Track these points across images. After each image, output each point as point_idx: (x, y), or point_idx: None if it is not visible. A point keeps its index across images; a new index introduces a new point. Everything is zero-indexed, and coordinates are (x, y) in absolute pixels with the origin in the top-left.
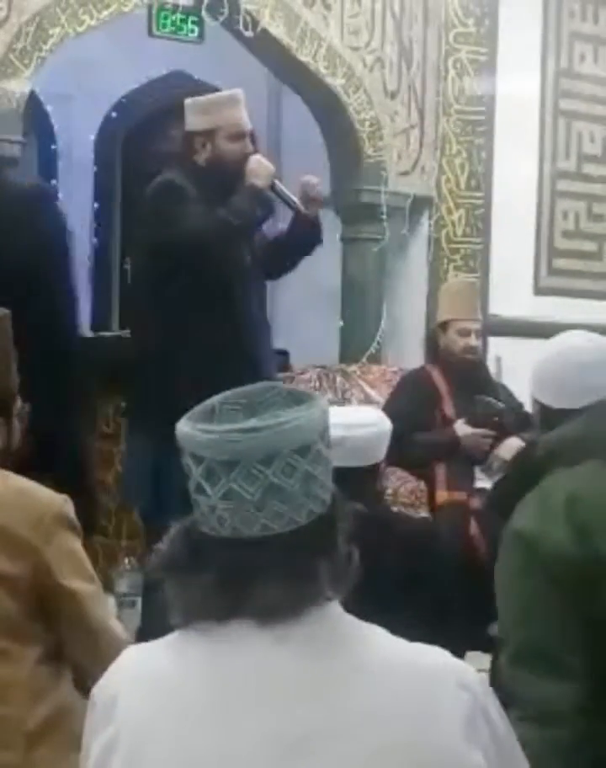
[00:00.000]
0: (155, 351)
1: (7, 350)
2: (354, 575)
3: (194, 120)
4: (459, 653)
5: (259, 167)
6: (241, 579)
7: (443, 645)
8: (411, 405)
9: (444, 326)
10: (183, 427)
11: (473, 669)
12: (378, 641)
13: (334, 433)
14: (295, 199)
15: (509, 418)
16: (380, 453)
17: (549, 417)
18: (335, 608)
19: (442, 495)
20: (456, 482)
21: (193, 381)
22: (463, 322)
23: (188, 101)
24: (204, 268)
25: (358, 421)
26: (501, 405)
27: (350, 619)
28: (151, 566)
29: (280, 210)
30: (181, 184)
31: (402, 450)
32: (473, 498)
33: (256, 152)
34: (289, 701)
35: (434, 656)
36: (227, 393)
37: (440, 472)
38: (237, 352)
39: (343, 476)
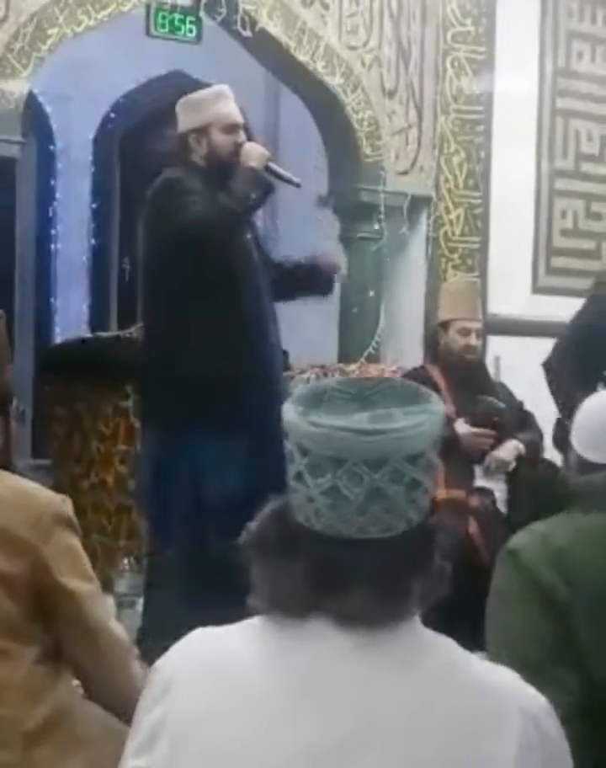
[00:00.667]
0: (160, 348)
1: (3, 350)
2: (444, 591)
3: (186, 120)
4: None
5: (252, 150)
6: (334, 578)
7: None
8: None
9: (445, 325)
10: (290, 413)
11: (543, 698)
12: (452, 656)
13: None
14: (289, 174)
15: (509, 419)
16: None
17: (584, 467)
18: (416, 622)
19: (441, 493)
20: (455, 481)
21: (196, 378)
22: (463, 321)
23: (179, 102)
24: (209, 257)
25: None
26: (501, 405)
27: (427, 631)
28: (243, 543)
29: (285, 209)
30: (181, 178)
31: None
32: (472, 497)
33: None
34: (349, 708)
35: (503, 677)
36: (336, 379)
37: (439, 470)
38: (243, 344)
39: None
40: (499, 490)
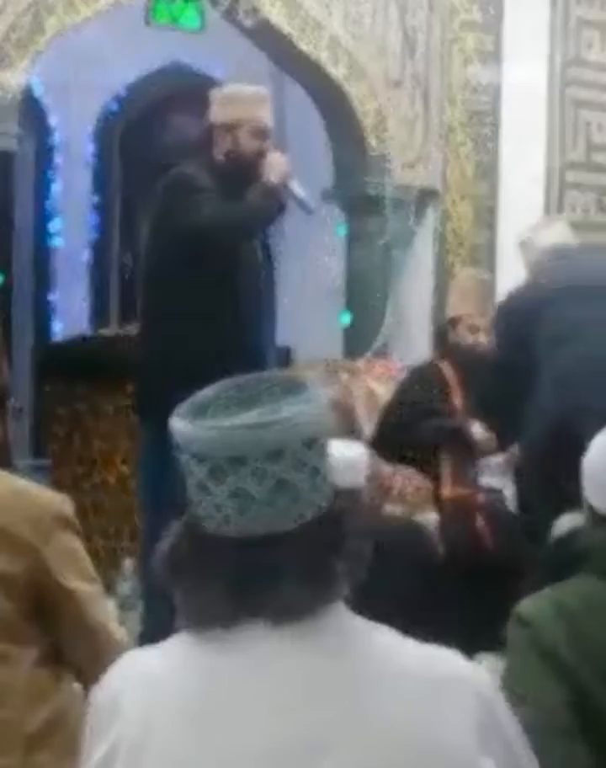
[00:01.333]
0: (154, 343)
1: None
2: (364, 572)
3: (218, 111)
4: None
5: (276, 163)
6: (257, 580)
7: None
8: (420, 395)
9: (454, 321)
10: (180, 424)
11: (484, 671)
12: (389, 642)
13: None
14: (306, 196)
15: None
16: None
17: (596, 520)
18: (343, 607)
19: (447, 491)
20: (462, 478)
21: (189, 374)
22: (472, 318)
23: (213, 92)
24: (211, 261)
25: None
26: None
27: (359, 618)
28: (155, 567)
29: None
30: (193, 175)
31: (410, 436)
32: (479, 494)
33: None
34: (298, 705)
35: (447, 660)
36: (216, 386)
37: (446, 467)
38: (237, 342)
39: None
40: (508, 488)
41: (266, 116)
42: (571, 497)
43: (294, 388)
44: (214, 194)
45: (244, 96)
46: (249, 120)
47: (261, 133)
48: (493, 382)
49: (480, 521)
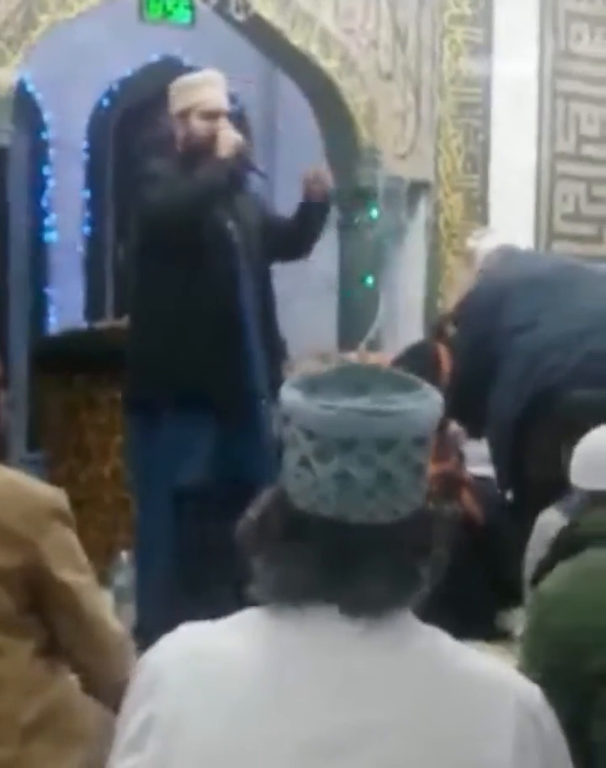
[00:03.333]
0: (138, 337)
1: None
2: (439, 579)
3: (174, 103)
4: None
5: (223, 138)
6: (343, 566)
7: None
8: (411, 373)
9: (452, 316)
10: (294, 396)
11: (537, 689)
12: (448, 649)
13: None
14: (257, 166)
15: None
16: None
17: (596, 500)
18: (410, 611)
19: (431, 469)
20: (445, 453)
21: (172, 367)
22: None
23: (170, 86)
24: (170, 244)
25: None
26: None
27: (421, 624)
28: (240, 534)
29: (281, 195)
30: (156, 168)
31: None
32: (461, 468)
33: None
34: (347, 697)
35: (498, 671)
36: (332, 367)
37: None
38: (213, 330)
39: None
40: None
41: (215, 97)
42: (536, 485)
43: (404, 384)
44: (167, 185)
45: (192, 82)
46: (197, 104)
47: (211, 114)
48: (460, 376)
49: (465, 495)
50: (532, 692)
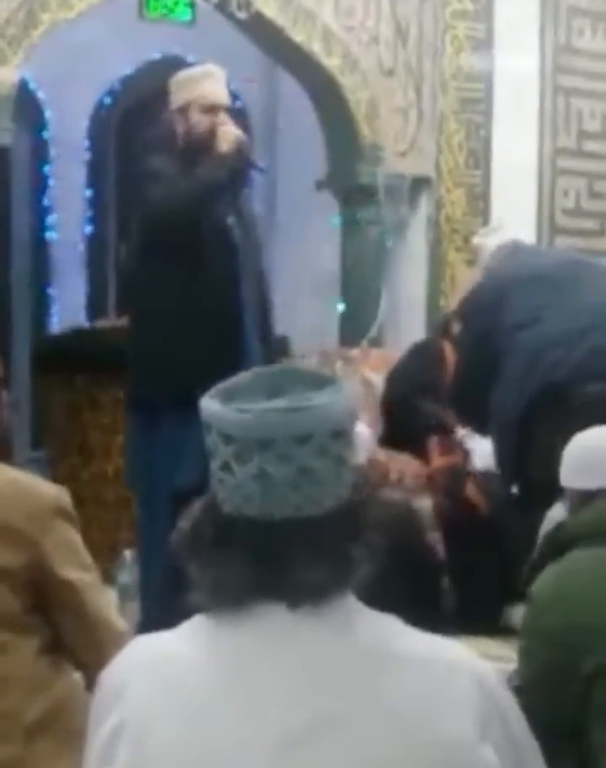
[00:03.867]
0: (138, 337)
1: None
2: (372, 564)
3: (174, 98)
4: (450, 634)
5: (224, 133)
6: (277, 560)
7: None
8: (417, 370)
9: (456, 313)
10: (212, 405)
11: (490, 666)
12: (396, 630)
13: None
14: (256, 160)
15: None
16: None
17: (584, 498)
18: (352, 596)
19: (437, 462)
20: (449, 447)
21: (172, 366)
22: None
23: (170, 81)
24: (174, 238)
25: None
26: None
27: (365, 608)
28: (175, 545)
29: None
30: (158, 165)
31: (402, 415)
32: (468, 461)
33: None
34: (305, 688)
35: (452, 650)
36: (245, 375)
37: (432, 442)
38: (213, 328)
39: None
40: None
41: (215, 91)
42: (540, 481)
43: (320, 381)
44: (168, 182)
45: (190, 76)
46: (197, 98)
47: (210, 108)
48: (462, 373)
49: (470, 487)
50: (486, 669)
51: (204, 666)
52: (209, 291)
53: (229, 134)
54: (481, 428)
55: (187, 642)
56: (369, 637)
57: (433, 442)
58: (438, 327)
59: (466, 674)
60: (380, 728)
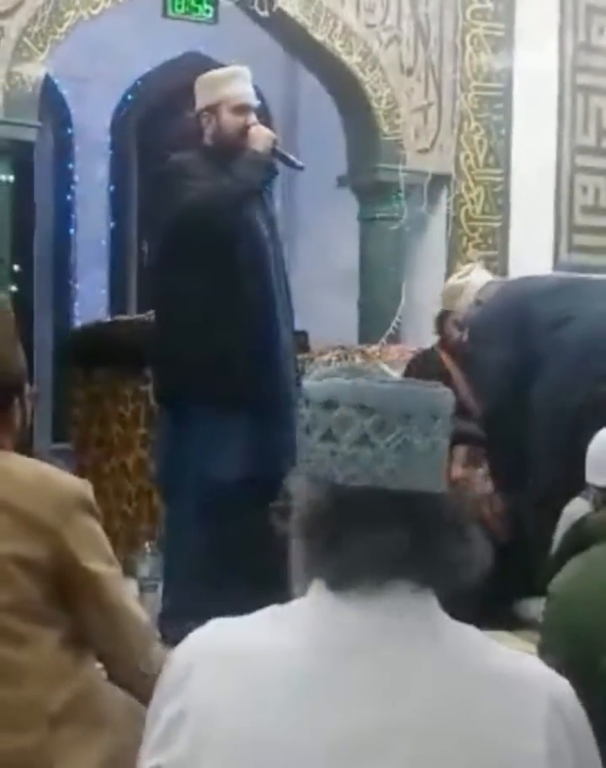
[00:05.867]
0: (167, 329)
1: (12, 332)
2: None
3: (201, 97)
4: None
5: (258, 133)
6: (421, 532)
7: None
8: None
9: (445, 314)
10: (342, 381)
11: (568, 684)
12: (479, 643)
13: None
14: (294, 157)
15: None
16: None
17: (597, 497)
18: (436, 603)
19: (457, 471)
20: (473, 460)
21: (206, 361)
22: (456, 316)
23: (196, 81)
24: (208, 241)
25: None
26: None
27: (448, 616)
28: (293, 526)
29: (302, 189)
30: (186, 162)
31: None
32: (489, 480)
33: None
34: (381, 693)
35: (529, 667)
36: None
37: (458, 450)
38: (246, 325)
39: None
40: None
41: (244, 92)
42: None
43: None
44: (202, 181)
45: (221, 76)
46: (228, 99)
47: (241, 109)
48: (492, 392)
49: (488, 509)
50: (564, 689)
51: (279, 655)
52: (241, 288)
53: (263, 134)
54: (512, 447)
55: (262, 632)
56: (451, 648)
57: (460, 452)
58: (436, 325)
59: (544, 695)
60: (447, 744)
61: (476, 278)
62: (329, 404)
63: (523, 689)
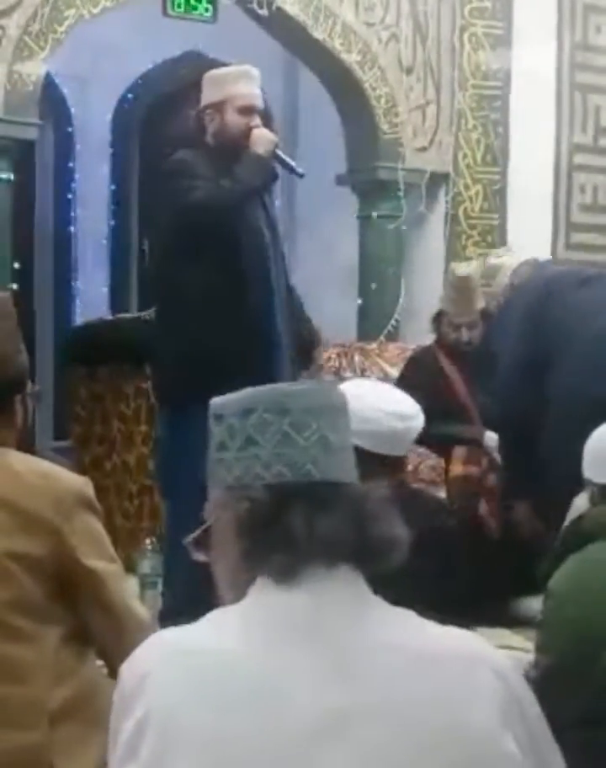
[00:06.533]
0: (167, 328)
1: (14, 330)
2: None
3: (206, 94)
4: (465, 624)
5: (260, 136)
6: (357, 518)
7: (447, 614)
8: (421, 385)
9: (441, 314)
10: (260, 388)
11: (506, 655)
12: (415, 625)
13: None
14: (294, 163)
15: None
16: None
17: (596, 493)
18: (368, 588)
19: (456, 469)
20: (473, 458)
21: (205, 361)
22: (453, 316)
23: (204, 76)
24: (209, 241)
25: (408, 413)
26: None
27: (382, 600)
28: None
29: (301, 188)
30: (188, 160)
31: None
32: (488, 476)
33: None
34: (331, 681)
35: (470, 641)
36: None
37: (458, 448)
38: (247, 325)
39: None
40: None
41: (251, 93)
42: None
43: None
44: (204, 180)
45: (228, 75)
46: (234, 98)
47: (247, 110)
48: (510, 371)
49: (483, 506)
50: (505, 661)
51: (232, 653)
52: (241, 288)
53: (265, 137)
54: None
55: (211, 633)
56: (397, 629)
57: (460, 450)
58: (432, 324)
59: (487, 667)
60: (402, 722)
61: (510, 260)
62: (247, 412)
63: (466, 662)
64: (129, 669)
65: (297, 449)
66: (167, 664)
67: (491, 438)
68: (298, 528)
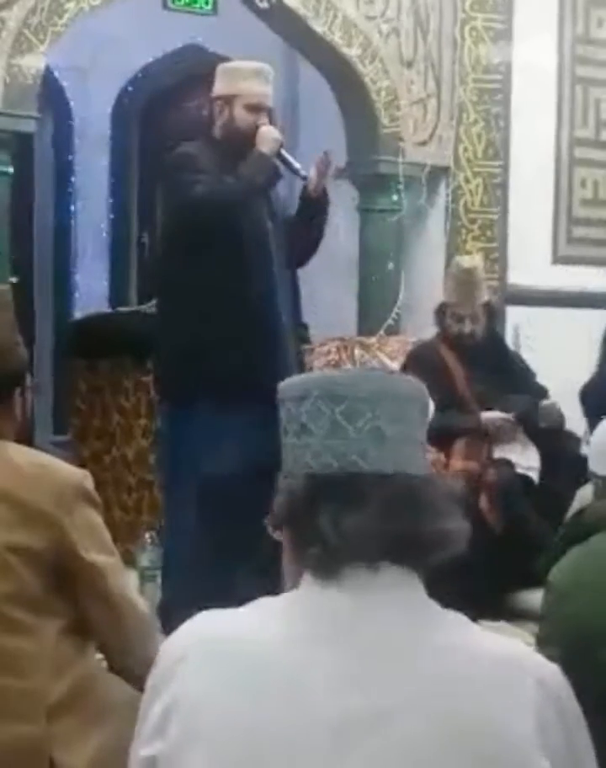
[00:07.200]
0: (169, 321)
1: (12, 322)
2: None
3: (219, 85)
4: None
5: (266, 134)
6: (410, 512)
7: (448, 608)
8: (423, 380)
9: (444, 306)
10: (316, 373)
11: (556, 667)
12: (462, 626)
13: None
14: (298, 165)
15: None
16: None
17: (599, 486)
18: (423, 589)
19: (457, 463)
20: (474, 453)
21: (206, 354)
22: (456, 308)
23: (219, 66)
24: (213, 236)
25: None
26: (563, 418)
27: (432, 600)
28: (275, 519)
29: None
30: (193, 154)
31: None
32: (488, 471)
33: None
34: (371, 676)
35: (515, 649)
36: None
37: (459, 442)
38: (250, 319)
39: None
40: (532, 459)
41: (263, 92)
42: None
43: None
44: (208, 175)
45: (242, 70)
46: (244, 94)
47: (255, 108)
48: None
49: (483, 500)
50: (551, 670)
51: (265, 647)
52: (244, 285)
53: (270, 136)
54: None
55: (252, 622)
56: (441, 630)
57: (460, 444)
58: (435, 318)
59: (530, 676)
60: (436, 725)
61: None
62: (301, 398)
63: (509, 668)
64: (165, 651)
65: (347, 439)
66: (203, 650)
67: (489, 418)
68: (324, 524)
